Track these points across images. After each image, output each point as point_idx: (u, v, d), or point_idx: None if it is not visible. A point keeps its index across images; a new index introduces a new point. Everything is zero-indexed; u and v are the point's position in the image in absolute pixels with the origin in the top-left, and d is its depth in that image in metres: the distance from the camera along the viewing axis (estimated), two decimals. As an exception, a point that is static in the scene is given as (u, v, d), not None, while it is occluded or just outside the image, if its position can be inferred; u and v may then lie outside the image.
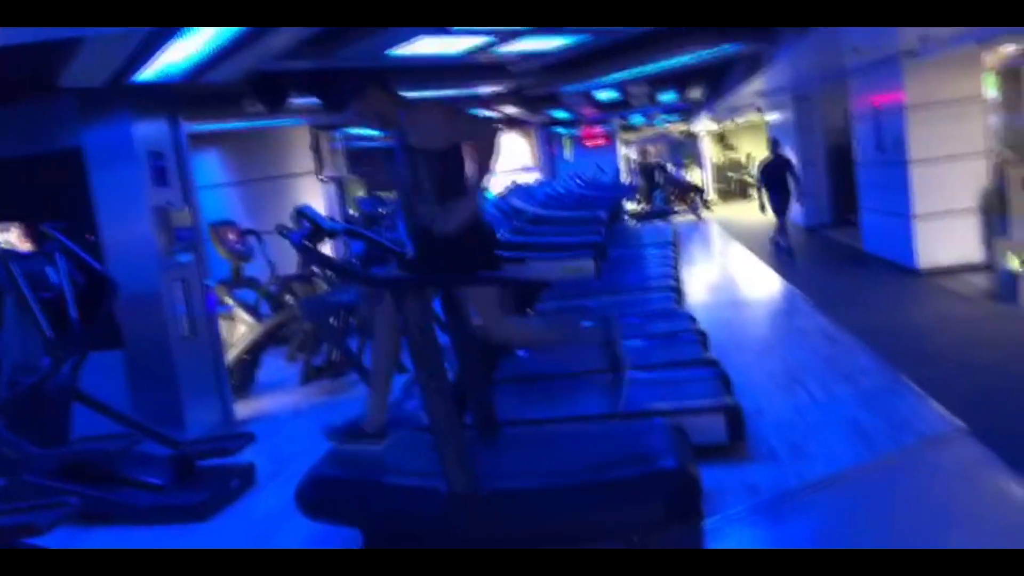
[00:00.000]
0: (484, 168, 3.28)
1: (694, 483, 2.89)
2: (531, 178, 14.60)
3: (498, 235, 3.96)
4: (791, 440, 3.91)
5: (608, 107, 12.03)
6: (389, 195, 13.53)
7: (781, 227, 11.17)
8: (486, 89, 8.35)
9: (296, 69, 5.55)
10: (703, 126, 21.53)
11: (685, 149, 23.51)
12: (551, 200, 9.90)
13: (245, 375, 6.10)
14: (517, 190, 9.68)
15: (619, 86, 9.58)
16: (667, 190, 18.30)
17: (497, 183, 12.50)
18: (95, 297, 3.90)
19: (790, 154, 12.11)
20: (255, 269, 6.67)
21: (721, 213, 18.96)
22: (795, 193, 11.28)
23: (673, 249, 9.93)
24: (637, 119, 17.14)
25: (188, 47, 3.90)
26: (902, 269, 8.67)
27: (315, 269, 6.64)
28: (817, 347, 5.74)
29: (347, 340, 6.00)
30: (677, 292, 7.09)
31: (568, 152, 17.72)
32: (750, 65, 8.78)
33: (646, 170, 20.08)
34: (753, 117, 18.99)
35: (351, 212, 10.34)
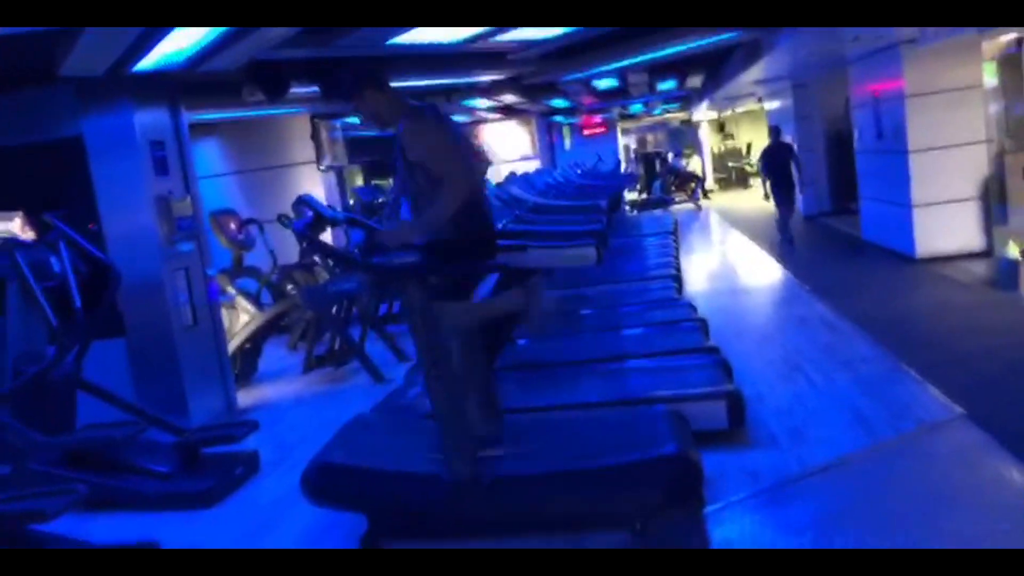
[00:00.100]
0: (440, 206, 3.16)
1: (695, 468, 2.92)
2: (531, 167, 14.58)
3: (499, 225, 3.96)
4: (791, 426, 3.94)
5: (607, 95, 12.00)
6: (387, 184, 13.54)
7: (782, 216, 11.11)
8: (485, 77, 8.34)
9: (296, 58, 5.54)
10: (702, 115, 21.48)
11: (684, 138, 23.46)
12: (551, 189, 9.89)
13: (247, 364, 6.13)
14: (517, 179, 9.67)
15: (618, 74, 9.56)
16: (666, 179, 18.27)
17: (498, 172, 12.52)
18: (98, 286, 3.91)
19: (792, 141, 12.03)
20: (256, 258, 6.68)
21: (720, 202, 18.95)
22: (799, 181, 11.09)
23: (673, 238, 9.94)
24: (636, 108, 17.10)
25: (188, 36, 3.90)
26: (901, 257, 8.68)
27: (316, 258, 6.65)
28: (816, 335, 5.77)
29: (349, 329, 6.02)
30: (677, 281, 7.11)
31: (568, 141, 17.69)
32: (749, 53, 8.76)
33: (645, 159, 20.05)
34: (752, 105, 18.95)
35: (350, 201, 10.34)
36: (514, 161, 15.50)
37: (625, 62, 8.22)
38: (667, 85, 11.14)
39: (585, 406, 3.99)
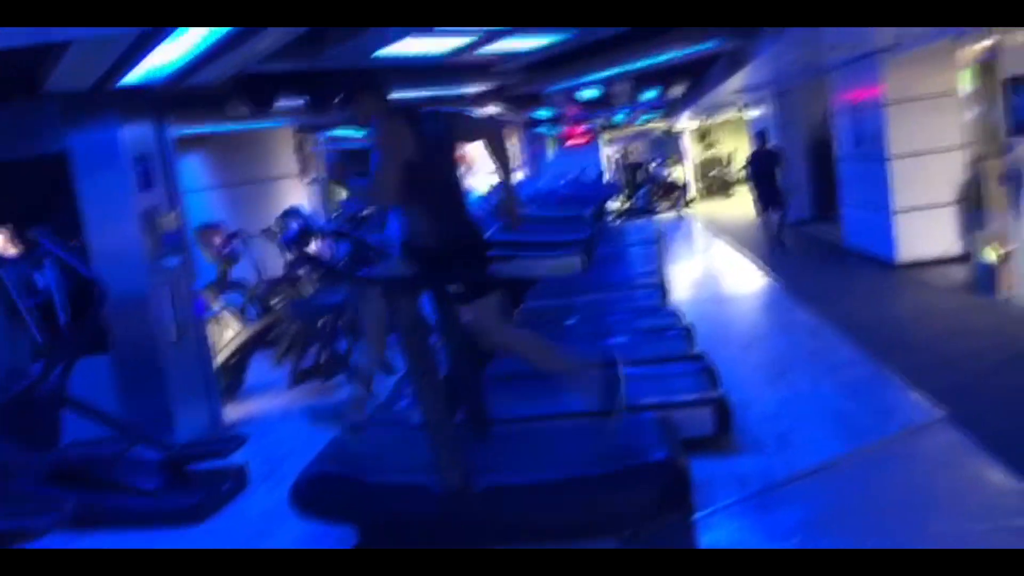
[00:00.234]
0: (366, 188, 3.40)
1: (684, 475, 2.95)
2: (515, 178, 14.60)
3: (486, 234, 3.98)
4: (778, 431, 3.98)
5: (590, 106, 12.07)
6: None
7: (767, 223, 11.13)
8: (470, 89, 8.38)
9: (282, 71, 5.55)
10: (685, 124, 21.65)
11: (667, 147, 23.62)
12: (536, 199, 9.92)
13: (233, 378, 6.10)
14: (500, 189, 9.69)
15: (601, 84, 9.63)
16: (650, 188, 18.39)
17: (482, 183, 12.55)
18: (83, 301, 3.90)
19: (778, 147, 12.04)
20: (242, 272, 6.66)
21: (704, 210, 19.08)
22: (785, 188, 10.92)
23: (657, 246, 10.00)
24: (619, 117, 17.22)
25: (174, 50, 3.90)
26: (882, 263, 8.78)
27: (301, 271, 6.65)
28: (801, 340, 5.83)
29: (335, 342, 6.01)
30: (662, 288, 7.16)
31: (551, 151, 17.78)
32: (731, 62, 8.86)
33: (629, 168, 20.17)
34: (734, 114, 19.13)
35: (334, 214, 10.33)
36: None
37: (608, 72, 8.29)
38: (649, 94, 11.23)
39: (573, 415, 4.01)
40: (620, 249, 10.27)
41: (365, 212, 9.04)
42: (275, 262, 7.02)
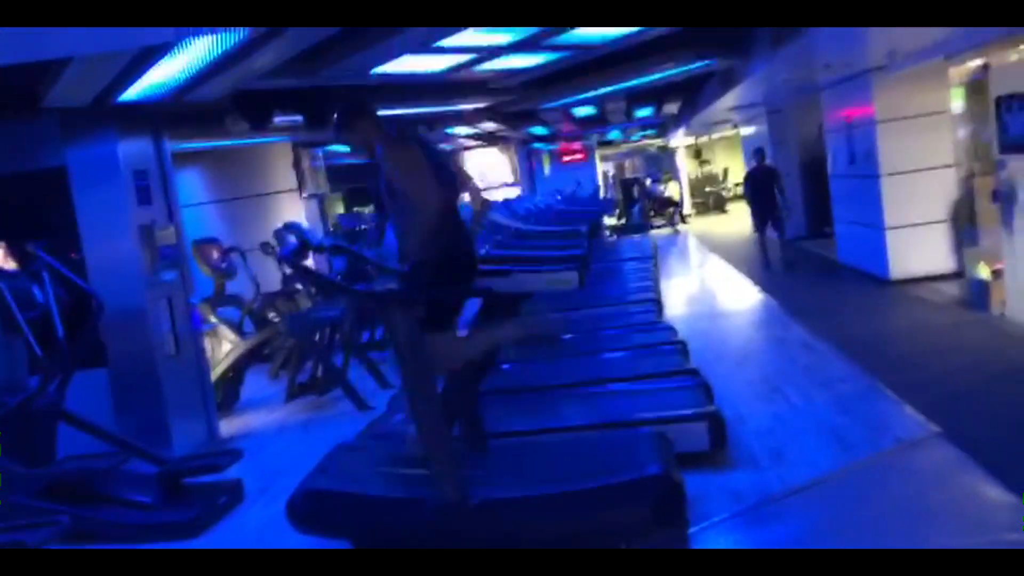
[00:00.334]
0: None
1: (679, 489, 2.96)
2: (512, 194, 14.70)
3: (482, 251, 4.03)
4: (772, 446, 4.00)
5: (586, 123, 12.18)
6: (367, 211, 13.59)
7: (762, 242, 11.13)
8: (467, 106, 8.45)
9: (280, 88, 5.60)
10: (679, 141, 21.79)
11: (662, 163, 23.76)
12: (532, 215, 9.97)
13: (230, 392, 6.10)
14: (498, 206, 9.74)
15: (597, 102, 9.71)
16: (645, 204, 18.47)
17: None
18: (81, 315, 3.91)
19: (775, 164, 12.04)
20: (238, 286, 6.68)
21: (699, 226, 19.16)
22: (782, 206, 10.82)
23: (652, 262, 10.04)
24: (614, 134, 17.34)
25: (172, 67, 3.94)
26: (876, 279, 8.83)
27: (298, 286, 6.66)
28: (795, 356, 5.85)
29: (331, 356, 6.02)
30: (657, 304, 7.19)
31: (547, 168, 17.88)
32: (724, 80, 8.95)
33: (624, 185, 20.27)
34: (728, 131, 19.26)
35: (331, 228, 10.37)
36: (495, 188, 15.62)
37: (603, 90, 8.37)
38: (644, 112, 11.31)
39: (569, 429, 4.03)
40: (616, 264, 10.32)
41: (362, 227, 9.10)
42: (272, 276, 7.05)
